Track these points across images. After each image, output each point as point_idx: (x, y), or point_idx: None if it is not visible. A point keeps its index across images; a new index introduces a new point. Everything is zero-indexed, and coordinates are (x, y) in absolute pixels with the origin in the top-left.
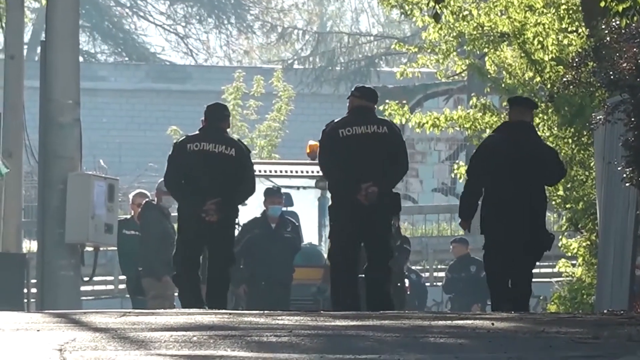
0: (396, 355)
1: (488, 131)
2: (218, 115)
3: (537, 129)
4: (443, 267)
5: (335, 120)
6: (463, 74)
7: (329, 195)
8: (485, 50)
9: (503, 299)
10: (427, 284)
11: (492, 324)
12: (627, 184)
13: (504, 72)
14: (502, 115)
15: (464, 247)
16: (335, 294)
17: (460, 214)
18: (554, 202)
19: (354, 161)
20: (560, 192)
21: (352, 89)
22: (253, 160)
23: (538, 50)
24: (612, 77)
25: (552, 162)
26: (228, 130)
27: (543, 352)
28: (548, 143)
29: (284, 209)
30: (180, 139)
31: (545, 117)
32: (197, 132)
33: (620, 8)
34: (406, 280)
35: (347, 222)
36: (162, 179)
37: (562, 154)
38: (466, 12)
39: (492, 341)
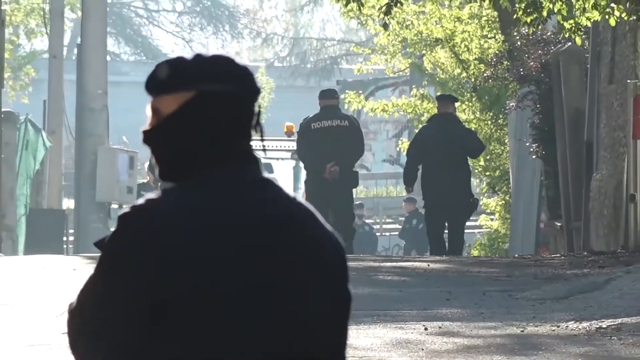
0: (352, 289)
1: (426, 115)
2: None
3: (463, 113)
4: (390, 220)
5: (310, 116)
6: (406, 71)
7: (301, 165)
8: (424, 52)
9: (437, 246)
10: (378, 234)
11: (428, 265)
12: (534, 157)
13: (438, 69)
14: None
15: (412, 204)
16: None
17: (405, 182)
18: (476, 170)
19: (322, 147)
20: (482, 163)
21: (319, 94)
22: None
23: (464, 52)
24: (522, 73)
25: (472, 141)
26: None
27: (467, 287)
28: (472, 125)
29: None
30: None
31: (470, 104)
32: None
33: (528, 19)
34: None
35: (317, 193)
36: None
37: (483, 133)
38: (409, 22)
39: (428, 279)
